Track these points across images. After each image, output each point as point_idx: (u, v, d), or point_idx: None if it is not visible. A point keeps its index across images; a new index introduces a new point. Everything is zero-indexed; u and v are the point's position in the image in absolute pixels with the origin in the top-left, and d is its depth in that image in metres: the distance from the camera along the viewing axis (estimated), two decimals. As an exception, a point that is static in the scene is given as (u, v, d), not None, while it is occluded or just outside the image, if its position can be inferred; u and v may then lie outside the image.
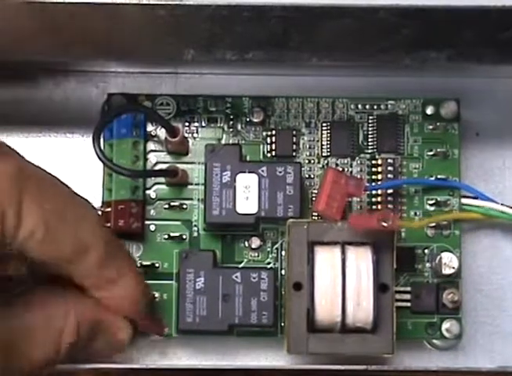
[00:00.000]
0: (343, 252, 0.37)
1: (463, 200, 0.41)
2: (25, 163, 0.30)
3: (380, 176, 0.41)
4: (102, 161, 0.37)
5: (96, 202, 0.40)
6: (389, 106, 0.41)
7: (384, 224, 0.35)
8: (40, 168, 0.31)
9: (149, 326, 0.38)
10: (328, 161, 0.41)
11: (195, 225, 0.40)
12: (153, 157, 0.41)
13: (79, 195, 0.32)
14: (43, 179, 0.31)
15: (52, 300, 0.32)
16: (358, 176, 0.41)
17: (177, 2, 0.32)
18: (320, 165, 0.41)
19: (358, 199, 0.41)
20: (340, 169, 0.41)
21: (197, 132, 0.41)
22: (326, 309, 0.37)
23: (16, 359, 0.31)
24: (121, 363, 0.40)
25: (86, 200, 0.33)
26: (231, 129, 0.41)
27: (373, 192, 0.41)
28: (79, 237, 0.31)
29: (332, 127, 0.41)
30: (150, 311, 0.38)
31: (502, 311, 0.41)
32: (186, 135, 0.41)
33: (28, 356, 0.31)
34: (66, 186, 0.32)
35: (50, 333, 0.32)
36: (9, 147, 0.30)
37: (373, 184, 0.41)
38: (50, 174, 0.31)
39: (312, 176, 0.41)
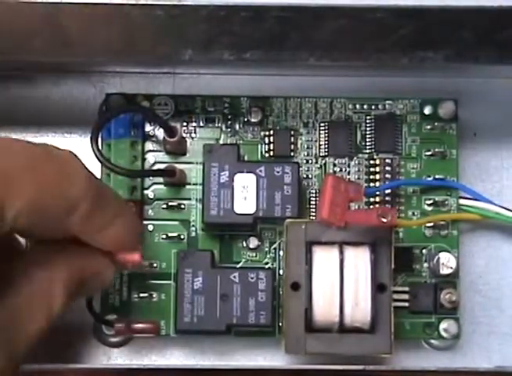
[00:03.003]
0: (341, 252, 0.37)
1: (461, 201, 0.41)
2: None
3: (377, 176, 0.41)
4: (100, 161, 0.37)
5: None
6: (387, 106, 0.41)
7: (384, 220, 0.35)
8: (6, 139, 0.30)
9: (143, 327, 0.39)
10: (326, 161, 0.41)
11: (193, 225, 0.41)
12: (151, 157, 0.41)
13: (55, 148, 0.31)
14: (19, 165, 0.29)
15: (35, 272, 0.32)
16: (356, 176, 0.41)
17: (175, 3, 0.32)
18: (318, 165, 0.41)
19: (356, 199, 0.41)
20: (338, 169, 0.41)
21: (195, 132, 0.41)
22: (324, 309, 0.37)
23: (10, 340, 0.30)
24: (119, 364, 0.40)
25: (65, 151, 0.31)
26: (229, 129, 0.41)
27: (371, 192, 0.41)
28: (66, 197, 0.30)
29: (330, 127, 0.41)
30: (144, 313, 0.38)
31: (500, 311, 0.41)
32: (184, 135, 0.41)
33: (22, 332, 0.31)
34: (36, 144, 0.30)
35: (37, 306, 0.31)
36: None
37: (371, 185, 0.41)
38: (17, 141, 0.30)
39: (310, 176, 0.41)
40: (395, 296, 0.38)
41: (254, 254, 0.40)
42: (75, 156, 0.31)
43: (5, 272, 0.30)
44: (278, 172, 0.39)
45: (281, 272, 0.40)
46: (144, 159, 0.41)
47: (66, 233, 0.31)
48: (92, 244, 0.32)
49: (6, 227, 0.29)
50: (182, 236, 0.40)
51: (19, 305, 0.31)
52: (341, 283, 0.37)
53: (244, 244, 0.40)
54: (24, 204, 0.28)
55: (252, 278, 0.38)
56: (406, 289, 0.40)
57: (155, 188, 0.41)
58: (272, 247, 0.40)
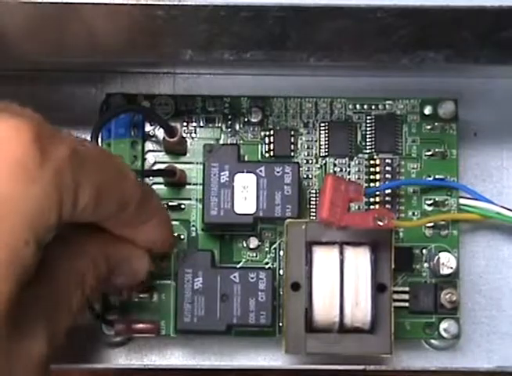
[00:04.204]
0: (341, 252, 0.37)
1: (461, 201, 0.41)
2: (75, 143, 0.30)
3: (378, 176, 0.41)
4: (100, 161, 0.37)
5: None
6: (387, 106, 0.41)
7: (380, 223, 0.35)
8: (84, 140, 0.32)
9: (143, 327, 0.39)
10: (326, 161, 0.41)
11: (193, 226, 0.41)
12: (151, 157, 0.41)
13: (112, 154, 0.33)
14: (92, 154, 0.30)
15: (68, 257, 0.32)
16: (357, 176, 0.41)
17: (175, 3, 0.32)
18: (318, 165, 0.41)
19: (356, 199, 0.41)
20: (339, 169, 0.41)
21: (195, 132, 0.41)
22: (324, 309, 0.37)
23: (52, 320, 0.31)
24: (119, 364, 0.40)
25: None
26: (229, 129, 0.41)
27: (371, 192, 0.41)
28: (123, 194, 0.32)
29: (330, 127, 0.41)
30: (144, 313, 0.38)
31: (501, 311, 0.41)
32: (184, 135, 0.41)
33: (64, 306, 0.32)
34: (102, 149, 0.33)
35: (73, 279, 0.32)
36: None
37: (371, 185, 0.41)
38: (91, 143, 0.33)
39: (310, 176, 0.41)
40: (395, 296, 0.38)
41: (254, 255, 0.40)
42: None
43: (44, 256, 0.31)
44: (278, 172, 0.39)
45: (281, 272, 0.40)
46: (144, 159, 0.41)
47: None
48: (127, 238, 0.34)
49: (76, 214, 0.29)
50: (182, 236, 0.40)
51: (57, 289, 0.31)
52: (341, 283, 0.37)
53: (244, 244, 0.40)
54: (93, 195, 0.30)
55: (252, 278, 0.38)
56: (406, 289, 0.40)
57: (155, 188, 0.40)
58: (272, 247, 0.40)
